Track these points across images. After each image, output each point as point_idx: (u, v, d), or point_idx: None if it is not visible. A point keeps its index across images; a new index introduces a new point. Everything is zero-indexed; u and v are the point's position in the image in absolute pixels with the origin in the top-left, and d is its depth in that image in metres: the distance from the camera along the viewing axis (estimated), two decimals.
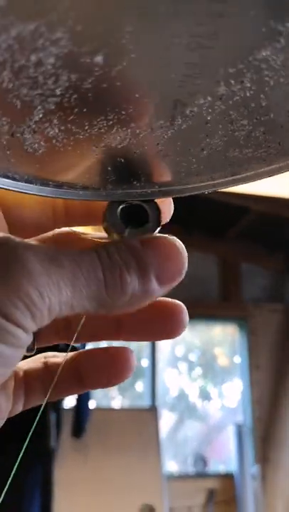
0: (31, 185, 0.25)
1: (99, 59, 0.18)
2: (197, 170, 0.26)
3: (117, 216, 0.27)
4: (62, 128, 0.22)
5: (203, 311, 3.75)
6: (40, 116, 0.21)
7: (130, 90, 0.20)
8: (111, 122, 0.22)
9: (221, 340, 4.05)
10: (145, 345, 3.71)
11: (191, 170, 0.26)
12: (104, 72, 0.19)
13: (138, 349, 3.84)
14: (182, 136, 0.23)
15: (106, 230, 0.27)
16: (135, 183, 0.26)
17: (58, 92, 0.20)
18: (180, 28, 0.17)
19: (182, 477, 3.38)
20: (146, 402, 3.53)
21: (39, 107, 0.20)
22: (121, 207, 0.26)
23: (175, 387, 3.91)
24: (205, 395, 3.94)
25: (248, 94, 0.21)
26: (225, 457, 3.59)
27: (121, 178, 0.25)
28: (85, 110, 0.21)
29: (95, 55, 0.18)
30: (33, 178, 0.25)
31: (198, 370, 3.96)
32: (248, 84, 0.20)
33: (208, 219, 3.75)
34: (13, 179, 0.25)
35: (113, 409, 3.64)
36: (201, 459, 3.47)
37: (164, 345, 3.87)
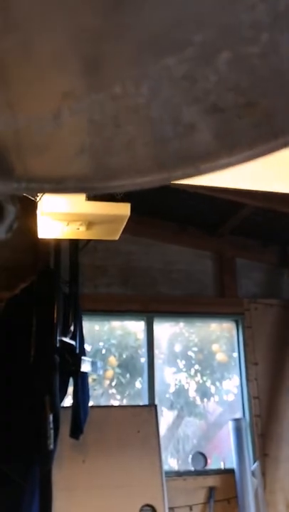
0: None
1: None
2: (71, 170, 0.24)
3: None
4: None
5: (200, 308, 3.74)
6: None
7: (20, 69, 0.18)
8: None
9: (219, 337, 4.04)
10: (143, 342, 3.70)
11: (65, 169, 0.24)
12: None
13: (136, 347, 3.83)
14: (63, 132, 0.21)
15: None
16: (1, 175, 0.23)
17: None
18: (84, 16, 0.16)
19: (182, 475, 3.37)
20: (145, 400, 3.52)
21: None
22: None
23: (174, 384, 3.90)
24: (204, 392, 3.93)
25: (140, 101, 0.20)
26: (225, 454, 3.58)
27: None
28: None
29: None
30: None
31: (196, 367, 3.95)
32: (144, 91, 0.19)
33: (201, 215, 3.73)
34: None
35: (111, 407, 3.62)
36: (201, 457, 3.46)
37: (161, 343, 3.86)
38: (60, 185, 0.25)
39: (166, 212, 3.74)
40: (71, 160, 0.23)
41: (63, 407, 2.94)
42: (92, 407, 3.19)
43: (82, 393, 3.00)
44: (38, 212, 2.00)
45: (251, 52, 0.17)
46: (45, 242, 2.88)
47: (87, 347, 3.44)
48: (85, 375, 3.06)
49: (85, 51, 0.17)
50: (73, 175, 0.24)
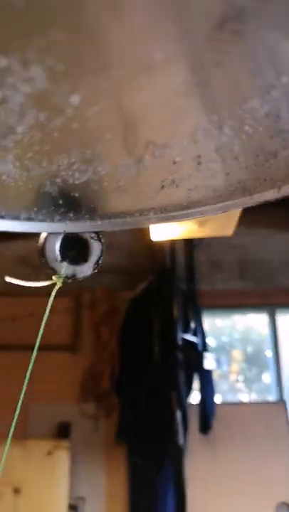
0: None
1: (75, 99, 0.17)
2: (153, 203, 0.25)
3: (55, 250, 0.26)
4: (17, 164, 0.20)
5: None
6: None
7: (102, 131, 0.19)
8: (73, 160, 0.21)
9: None
10: (267, 335, 3.61)
11: (146, 203, 0.25)
12: (77, 112, 0.18)
13: (260, 340, 3.75)
14: (146, 174, 0.22)
15: (44, 267, 0.26)
16: (85, 215, 0.24)
17: (19, 130, 0.18)
18: (173, 75, 0.16)
19: None
20: (274, 395, 3.43)
21: None
22: (61, 239, 0.25)
23: None
24: None
25: (223, 140, 0.20)
26: None
27: (70, 210, 0.24)
28: (46, 149, 0.20)
29: (71, 95, 0.17)
30: None
31: None
32: (227, 131, 0.19)
33: None
34: None
35: (239, 404, 3.58)
36: None
37: (287, 336, 3.73)
38: (142, 218, 0.26)
39: (279, 200, 3.59)
40: (152, 195, 0.24)
41: (191, 404, 2.98)
42: (220, 404, 3.19)
43: (207, 389, 3.01)
44: None
45: None
46: (161, 243, 2.94)
47: (211, 342, 3.44)
48: (209, 370, 3.07)
49: (171, 104, 0.18)
50: (154, 207, 0.25)
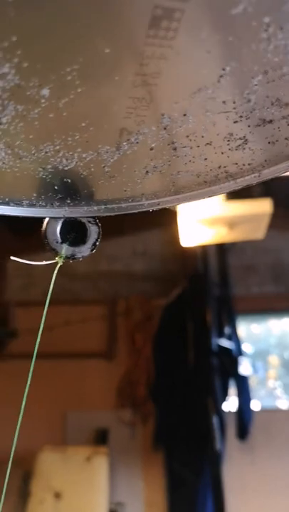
0: None
1: (45, 92, 0.20)
2: (142, 189, 0.28)
3: (56, 233, 0.29)
4: (9, 152, 0.23)
5: None
6: None
7: (77, 120, 0.22)
8: (58, 147, 0.23)
9: None
10: None
11: (136, 189, 0.28)
12: (50, 103, 0.20)
13: None
14: (128, 160, 0.25)
15: (45, 247, 0.29)
16: (81, 201, 0.27)
17: (3, 120, 0.21)
18: (125, 68, 0.19)
19: None
20: None
21: None
22: (61, 223, 0.28)
23: None
24: None
25: (190, 126, 0.22)
26: None
27: (67, 196, 0.27)
28: (31, 137, 0.23)
29: (41, 89, 0.19)
30: None
31: None
32: (191, 117, 0.21)
33: None
34: None
35: (278, 410, 3.54)
36: None
37: None
38: (136, 203, 0.29)
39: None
40: (138, 181, 0.27)
41: (228, 409, 2.96)
42: (258, 409, 3.16)
43: (244, 394, 2.99)
44: (179, 221, 2.06)
45: (283, 73, 0.18)
46: (192, 248, 2.95)
47: (247, 348, 3.42)
48: (245, 376, 3.05)
49: (134, 94, 0.20)
50: (144, 193, 0.28)
